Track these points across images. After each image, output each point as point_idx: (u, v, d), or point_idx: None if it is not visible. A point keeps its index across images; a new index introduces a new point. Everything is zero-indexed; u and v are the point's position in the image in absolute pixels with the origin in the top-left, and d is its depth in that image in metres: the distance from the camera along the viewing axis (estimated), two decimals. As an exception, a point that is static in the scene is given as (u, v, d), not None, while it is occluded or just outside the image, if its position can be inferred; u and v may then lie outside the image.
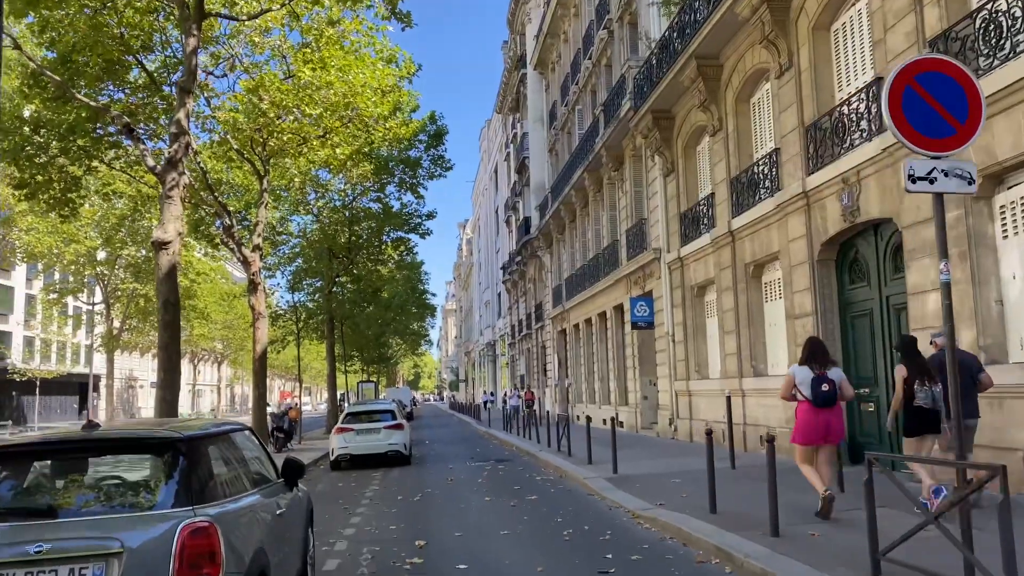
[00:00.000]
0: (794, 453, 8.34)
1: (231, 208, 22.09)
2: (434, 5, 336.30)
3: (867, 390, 12.07)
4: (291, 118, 20.29)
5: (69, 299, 52.97)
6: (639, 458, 15.63)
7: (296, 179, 29.59)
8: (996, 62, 8.79)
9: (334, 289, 36.20)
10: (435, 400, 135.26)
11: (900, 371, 7.91)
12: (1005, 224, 9.11)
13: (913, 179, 5.34)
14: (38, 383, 53.21)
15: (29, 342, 59.37)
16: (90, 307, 54.80)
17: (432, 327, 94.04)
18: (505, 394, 43.88)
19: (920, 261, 10.04)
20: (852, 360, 12.54)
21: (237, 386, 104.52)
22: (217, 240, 23.95)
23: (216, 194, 21.35)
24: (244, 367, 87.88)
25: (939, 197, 5.45)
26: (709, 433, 9.96)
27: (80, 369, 61.86)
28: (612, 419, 14.00)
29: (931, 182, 5.34)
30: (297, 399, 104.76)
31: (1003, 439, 8.73)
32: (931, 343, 8.56)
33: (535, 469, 16.43)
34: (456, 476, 15.90)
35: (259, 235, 21.79)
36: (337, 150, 21.15)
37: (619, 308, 25.94)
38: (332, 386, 36.95)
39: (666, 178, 20.52)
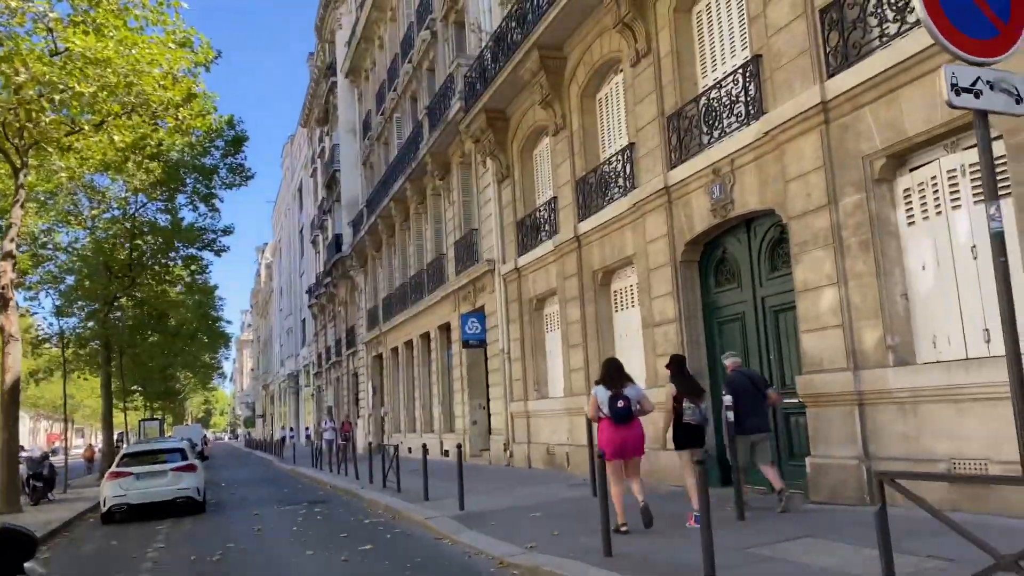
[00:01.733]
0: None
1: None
2: (232, 23, 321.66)
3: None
4: (58, 98, 16.69)
5: None
6: (480, 490, 13.72)
7: (63, 180, 25.15)
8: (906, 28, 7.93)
9: (111, 314, 31.39)
10: (229, 438, 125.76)
11: (670, 389, 8.59)
12: (911, 209, 8.24)
13: (957, 90, 3.96)
14: None
15: None
16: None
17: (226, 359, 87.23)
18: (317, 426, 40.44)
19: (812, 253, 9.03)
20: (720, 369, 11.44)
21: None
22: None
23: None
24: None
25: (983, 117, 4.09)
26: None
27: None
28: (458, 447, 12.07)
29: (976, 95, 3.97)
30: (64, 440, 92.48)
31: (919, 450, 7.74)
32: (724, 364, 9.27)
33: (360, 510, 14.04)
34: (265, 524, 13.18)
35: (12, 240, 17.71)
36: (116, 138, 17.65)
37: (445, 327, 24.08)
38: (108, 425, 31.91)
39: (500, 184, 19.04)
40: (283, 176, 75.21)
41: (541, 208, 16.97)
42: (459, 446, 11.93)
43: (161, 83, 17.71)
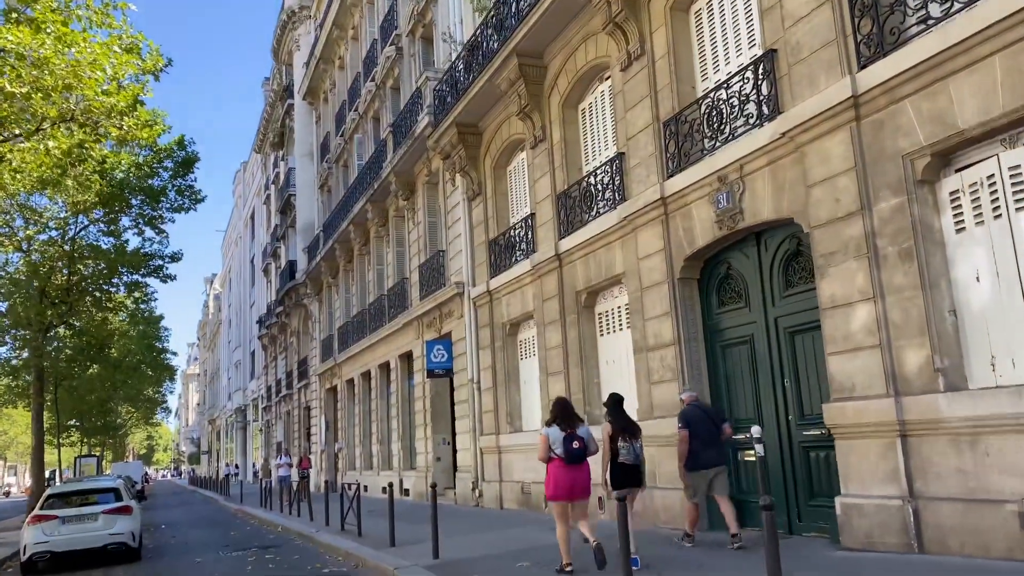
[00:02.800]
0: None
1: None
2: (184, 48, 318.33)
3: (748, 435, 9.92)
4: (-17, 98, 15.14)
5: None
6: (452, 534, 12.34)
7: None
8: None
9: (46, 343, 29.24)
10: (172, 476, 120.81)
11: (606, 428, 8.54)
12: (960, 214, 7.32)
13: None
14: None
15: None
16: None
17: (171, 392, 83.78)
18: (265, 462, 38.31)
19: (842, 266, 8.04)
20: (725, 397, 10.39)
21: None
22: None
23: None
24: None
25: None
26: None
27: None
28: (433, 486, 10.70)
29: None
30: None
31: (980, 487, 6.71)
32: (680, 399, 9.37)
33: (317, 557, 12.55)
34: (209, 574, 11.61)
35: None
36: (50, 144, 16.10)
37: (407, 356, 22.70)
38: (38, 462, 29.49)
39: (471, 202, 17.92)
40: (234, 204, 73.12)
41: (517, 226, 15.87)
42: (433, 485, 10.59)
43: (104, 88, 16.33)
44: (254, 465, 49.77)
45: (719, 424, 8.78)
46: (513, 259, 15.91)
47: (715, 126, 10.09)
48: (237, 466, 59.40)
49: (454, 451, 19.88)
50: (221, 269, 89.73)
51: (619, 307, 12.77)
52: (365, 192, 24.73)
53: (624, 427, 8.46)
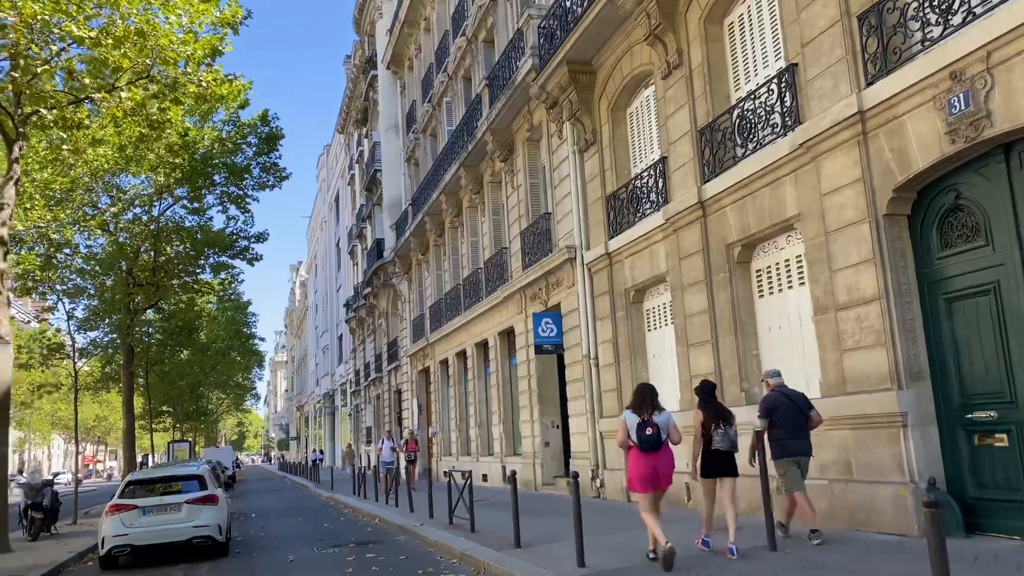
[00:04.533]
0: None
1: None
2: (269, 39, 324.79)
3: (992, 413, 7.52)
4: (54, 49, 13.81)
5: None
6: (585, 533, 10.25)
7: (67, 158, 22.34)
8: None
9: (136, 327, 28.47)
10: (263, 461, 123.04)
11: (697, 416, 8.23)
12: None
13: None
14: None
15: None
16: None
17: (259, 379, 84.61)
18: (365, 447, 37.15)
19: None
20: (952, 365, 7.98)
21: (32, 449, 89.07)
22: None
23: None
24: (35, 428, 74.74)
25: None
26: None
27: None
28: (575, 475, 8.63)
29: None
30: (98, 462, 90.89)
31: None
32: (763, 382, 8.93)
33: (426, 557, 10.70)
34: (304, 575, 9.93)
35: (3, 223, 14.77)
36: (123, 95, 14.67)
37: (507, 333, 20.78)
38: (129, 447, 28.86)
39: (583, 154, 15.77)
40: (318, 189, 72.88)
41: (642, 175, 13.63)
42: (575, 475, 8.52)
43: (179, 37, 14.85)
44: (344, 451, 48.98)
45: (805, 412, 8.21)
46: (638, 214, 13.70)
47: (945, 6, 7.64)
48: (322, 452, 59.09)
49: (564, 435, 17.88)
50: (307, 256, 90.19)
51: (787, 260, 10.42)
52: (457, 158, 22.86)
53: (717, 413, 8.13)
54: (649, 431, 7.68)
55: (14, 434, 72.32)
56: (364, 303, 41.67)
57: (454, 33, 25.10)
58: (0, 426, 14.42)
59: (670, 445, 7.83)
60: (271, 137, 27.91)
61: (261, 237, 29.86)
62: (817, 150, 9.16)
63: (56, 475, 34.28)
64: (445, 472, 24.63)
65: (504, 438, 20.86)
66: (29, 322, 46.40)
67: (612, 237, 14.57)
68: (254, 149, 27.80)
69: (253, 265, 31.31)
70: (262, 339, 57.19)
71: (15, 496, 17.61)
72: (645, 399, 7.93)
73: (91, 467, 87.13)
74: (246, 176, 27.80)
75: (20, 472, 29.49)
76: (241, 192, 28.08)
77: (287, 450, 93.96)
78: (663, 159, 12.83)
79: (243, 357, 53.56)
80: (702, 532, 8.39)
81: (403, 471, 22.02)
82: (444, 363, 26.97)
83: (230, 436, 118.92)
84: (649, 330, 14.06)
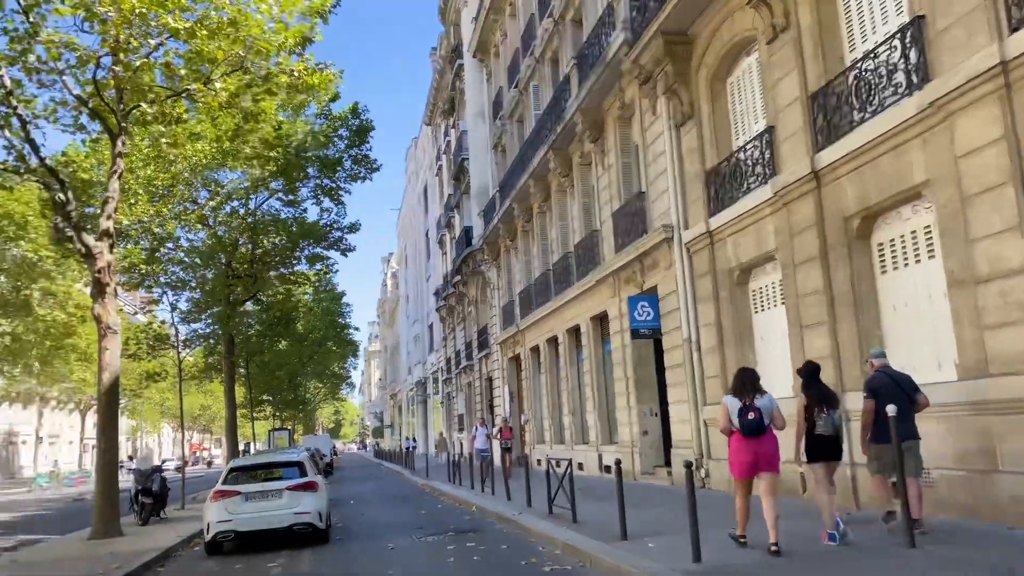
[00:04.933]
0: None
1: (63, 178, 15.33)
2: (354, 40, 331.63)
3: None
4: (152, 44, 14.08)
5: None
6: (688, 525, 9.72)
7: (176, 166, 23.04)
8: None
9: (234, 318, 29.25)
10: (358, 448, 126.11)
11: (800, 400, 8.03)
12: None
13: None
14: None
15: None
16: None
17: (354, 368, 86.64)
18: (457, 435, 37.30)
19: None
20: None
21: (143, 436, 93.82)
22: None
23: (44, 159, 14.76)
24: (146, 417, 78.57)
25: None
26: None
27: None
28: (688, 465, 8.10)
29: None
30: (204, 450, 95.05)
31: None
32: (867, 362, 8.74)
33: (528, 548, 10.36)
34: (405, 565, 9.73)
35: (109, 216, 15.20)
36: (218, 85, 14.84)
37: (600, 318, 20.26)
38: (232, 434, 29.84)
39: (679, 129, 15.08)
40: (407, 181, 73.74)
41: (746, 147, 12.88)
42: (688, 464, 7.98)
43: (271, 25, 14.92)
44: (436, 439, 49.45)
45: (911, 395, 7.86)
46: (742, 188, 12.96)
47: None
48: (415, 439, 59.91)
49: (663, 423, 17.28)
50: (397, 247, 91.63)
51: (913, 231, 9.56)
52: (545, 141, 22.42)
53: (821, 397, 7.90)
54: (751, 415, 7.56)
55: (127, 422, 76.39)
56: (454, 291, 41.81)
57: (540, 16, 24.63)
58: (110, 413, 14.91)
59: (774, 431, 7.70)
60: (361, 129, 28.22)
61: (354, 228, 30.29)
62: (950, 108, 8.31)
63: (164, 461, 35.69)
64: (538, 460, 24.40)
65: (599, 426, 20.39)
66: (136, 314, 48.66)
67: (713, 215, 13.87)
68: (346, 142, 28.19)
69: (347, 256, 31.89)
70: (356, 329, 58.36)
71: (126, 482, 18.22)
72: (746, 383, 7.80)
73: (197, 454, 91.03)
74: (338, 168, 28.20)
75: (131, 458, 30.75)
76: (334, 184, 28.52)
77: (381, 438, 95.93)
78: (769, 129, 12.06)
79: (338, 347, 54.81)
80: (836, 519, 7.79)
81: (497, 459, 21.85)
82: (535, 350, 26.66)
83: (327, 424, 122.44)
84: (756, 312, 13.31)
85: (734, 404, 7.74)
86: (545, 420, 25.72)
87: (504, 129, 30.43)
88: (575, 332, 22.44)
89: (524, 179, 24.88)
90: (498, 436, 21.16)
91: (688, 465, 7.87)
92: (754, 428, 7.58)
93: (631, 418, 17.94)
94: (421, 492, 22.78)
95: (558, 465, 12.45)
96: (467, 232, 36.22)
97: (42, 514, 25.18)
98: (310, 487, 12.44)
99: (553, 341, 24.54)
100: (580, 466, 21.49)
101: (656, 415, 17.60)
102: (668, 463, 16.65)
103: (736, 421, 7.68)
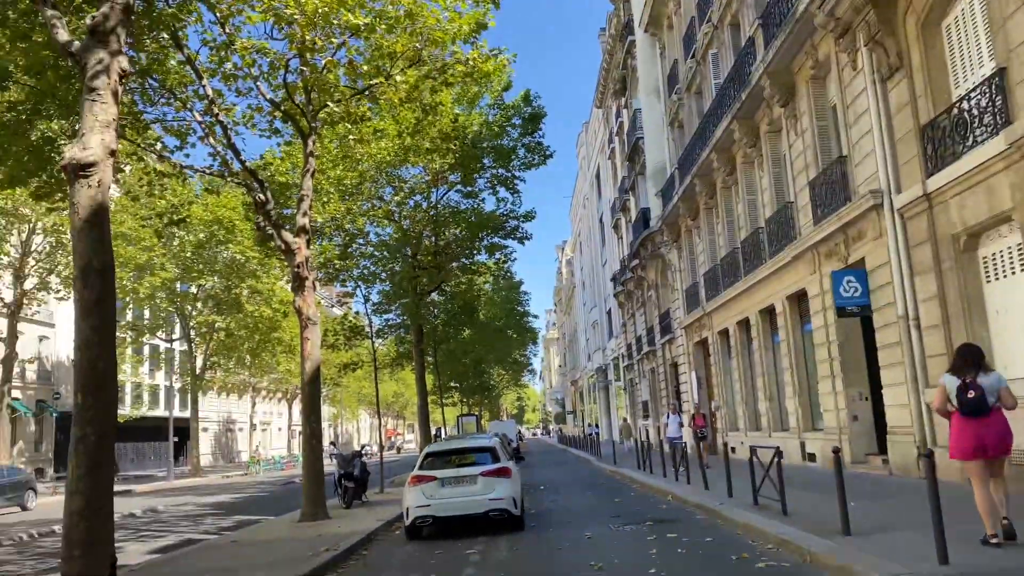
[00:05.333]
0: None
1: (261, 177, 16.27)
2: (527, 32, 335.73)
3: None
4: (334, 44, 14.57)
5: (158, 337, 49.10)
6: (927, 523, 8.62)
7: (363, 165, 23.99)
8: None
9: (422, 309, 30.24)
10: (542, 434, 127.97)
11: None
12: None
13: None
14: (131, 428, 49.24)
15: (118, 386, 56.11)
16: (168, 343, 51.24)
17: (534, 356, 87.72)
18: (666, 421, 36.59)
19: None
20: None
21: (343, 422, 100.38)
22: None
23: (244, 162, 15.73)
24: (345, 404, 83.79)
25: None
26: None
27: (162, 412, 58.34)
28: (927, 454, 7.15)
29: None
30: (398, 435, 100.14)
31: None
32: None
33: (735, 541, 9.68)
34: (605, 554, 9.38)
35: (304, 213, 15.99)
36: (398, 78, 15.11)
37: (798, 297, 18.91)
38: (424, 420, 30.93)
39: (886, 83, 13.60)
40: (578, 167, 73.54)
41: (971, 95, 11.33)
42: (928, 453, 7.02)
43: (445, 15, 14.99)
44: (620, 425, 48.94)
45: None
46: (967, 143, 11.43)
47: None
48: (597, 425, 59.74)
49: (874, 408, 15.83)
50: (571, 235, 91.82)
51: None
52: (727, 111, 21.22)
53: None
54: (971, 394, 7.06)
55: (328, 409, 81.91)
56: (631, 276, 41.04)
57: (718, -23, 23.35)
58: (313, 401, 15.67)
59: (1004, 411, 7.11)
60: (534, 116, 28.23)
61: (529, 216, 30.41)
62: None
63: (363, 447, 37.68)
64: (732, 448, 23.27)
65: (800, 412, 19.05)
66: (332, 307, 51.82)
67: (930, 175, 12.38)
68: (519, 130, 28.31)
69: (524, 244, 32.05)
70: (535, 316, 59.02)
71: (330, 466, 19.22)
72: (967, 360, 7.29)
73: (392, 439, 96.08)
74: (512, 157, 28.36)
75: (333, 444, 32.62)
76: (509, 173, 28.71)
77: (564, 424, 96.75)
78: (1000, 71, 10.53)
79: (518, 334, 55.70)
80: None
81: (690, 447, 21.06)
82: (724, 333, 25.48)
83: (510, 411, 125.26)
84: (988, 281, 11.74)
85: (952, 383, 7.25)
86: (738, 407, 24.51)
87: (681, 103, 29.29)
88: (769, 313, 21.15)
89: (706, 153, 23.75)
90: (691, 424, 20.36)
91: (928, 455, 6.91)
92: (975, 408, 7.04)
93: (838, 403, 16.57)
94: (611, 479, 22.42)
95: (751, 453, 11.59)
96: (644, 214, 35.34)
97: (257, 496, 27.27)
98: (503, 473, 12.40)
99: (744, 323, 23.30)
100: (780, 454, 20.26)
101: (867, 399, 16.15)
102: (882, 450, 15.21)
103: (954, 400, 7.20)
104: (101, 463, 6.86)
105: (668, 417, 21.50)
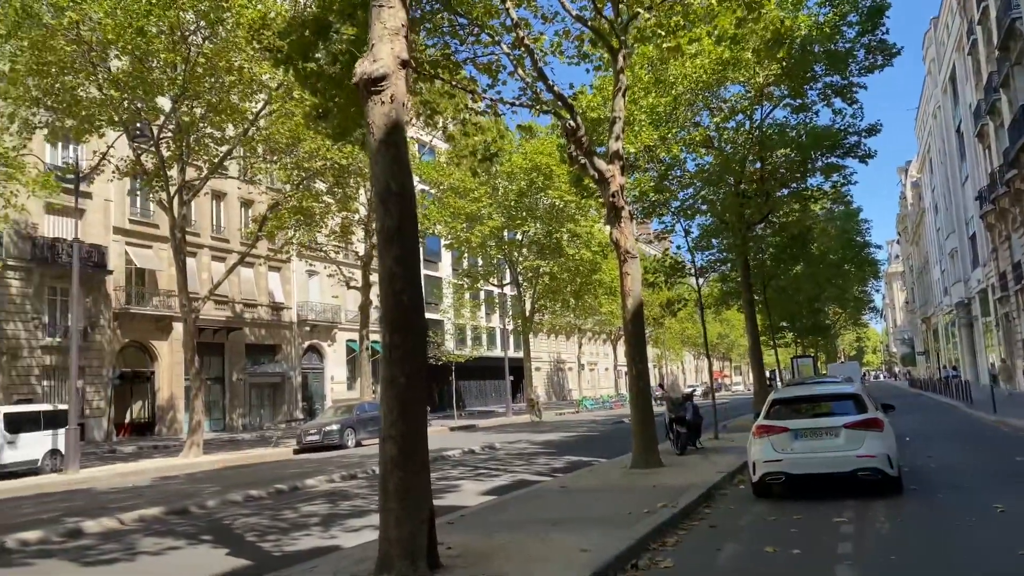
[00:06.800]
0: None
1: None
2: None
3: None
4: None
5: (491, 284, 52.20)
6: None
7: (678, 87, 22.09)
8: None
9: (749, 243, 27.72)
10: (885, 377, 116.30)
11: None
12: None
13: None
14: (470, 369, 53.22)
15: (459, 329, 60.87)
16: (500, 289, 54.00)
17: (876, 292, 78.99)
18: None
19: None
20: None
21: (667, 363, 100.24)
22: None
23: (553, 86, 14.78)
24: (668, 345, 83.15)
25: None
26: None
27: (498, 353, 62.08)
28: None
29: None
30: (725, 376, 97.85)
31: None
32: None
33: None
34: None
35: (617, 137, 14.69)
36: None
37: None
38: (757, 363, 28.57)
39: None
40: (926, 72, 63.59)
41: None
42: None
43: None
44: (991, 367, 41.86)
45: None
46: None
47: None
48: (955, 368, 52.05)
49: None
50: (916, 153, 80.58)
51: None
52: None
53: None
54: None
55: (651, 351, 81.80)
56: (1006, 191, 34.09)
57: None
58: (637, 341, 14.48)
59: None
60: (875, 10, 23.90)
61: (873, 130, 26.33)
62: None
63: (692, 388, 36.25)
64: None
65: None
66: (651, 242, 50.71)
67: None
68: (855, 29, 24.20)
69: (866, 163, 27.73)
70: (878, 247, 52.54)
71: (658, 407, 18.05)
72: None
73: (720, 381, 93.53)
74: (849, 61, 24.41)
75: (660, 386, 31.56)
76: (845, 80, 24.80)
77: (913, 365, 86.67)
78: None
79: (857, 268, 49.97)
80: None
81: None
82: None
83: (848, 352, 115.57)
84: None
85: None
86: None
87: (1079, -38, 22.95)
88: None
89: None
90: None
91: None
92: None
93: None
94: (995, 430, 18.56)
95: None
96: (1023, 113, 28.85)
97: (587, 436, 27.21)
98: (873, 424, 10.15)
99: None
100: None
101: None
102: None
103: None
104: (413, 407, 6.20)
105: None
